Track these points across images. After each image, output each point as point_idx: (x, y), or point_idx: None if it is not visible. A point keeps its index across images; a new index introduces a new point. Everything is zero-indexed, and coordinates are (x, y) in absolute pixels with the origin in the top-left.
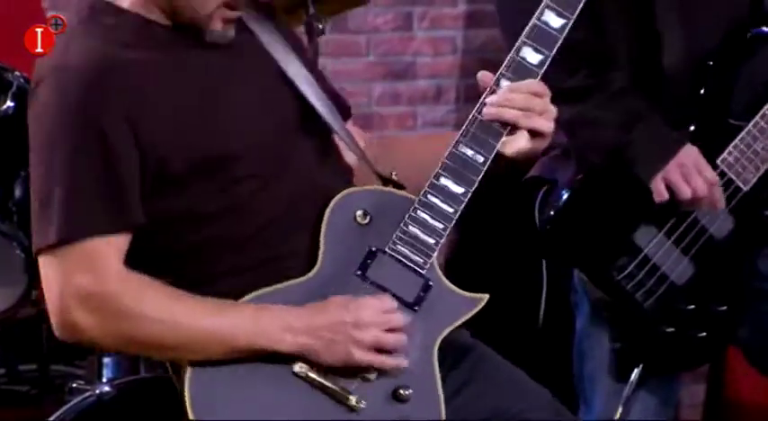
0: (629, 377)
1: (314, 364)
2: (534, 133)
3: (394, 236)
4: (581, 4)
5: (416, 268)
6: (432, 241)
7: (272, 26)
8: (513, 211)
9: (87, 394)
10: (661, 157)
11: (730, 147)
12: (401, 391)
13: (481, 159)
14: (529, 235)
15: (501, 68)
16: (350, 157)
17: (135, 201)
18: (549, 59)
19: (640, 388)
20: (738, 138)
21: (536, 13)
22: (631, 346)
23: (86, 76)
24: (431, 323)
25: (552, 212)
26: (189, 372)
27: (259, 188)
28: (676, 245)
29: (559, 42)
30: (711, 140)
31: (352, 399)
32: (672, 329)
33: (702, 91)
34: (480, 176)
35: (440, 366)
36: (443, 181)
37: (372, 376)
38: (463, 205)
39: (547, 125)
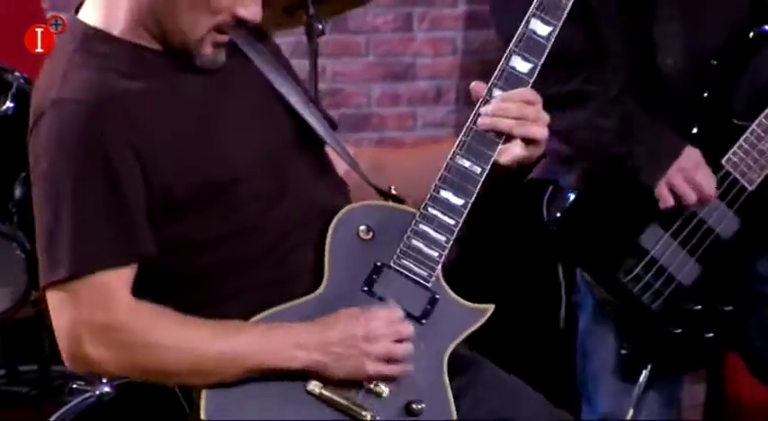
0: (637, 377)
1: (326, 381)
2: (528, 141)
3: (398, 250)
4: (566, 11)
5: (422, 281)
6: (435, 254)
7: (261, 46)
8: (520, 214)
9: (87, 395)
10: (662, 166)
11: (735, 147)
12: (414, 406)
13: (479, 170)
14: (540, 236)
15: (492, 78)
16: (340, 169)
17: (144, 231)
18: (539, 67)
19: (647, 388)
20: (742, 137)
21: (523, 22)
22: (639, 347)
23: (88, 109)
24: (439, 335)
25: (559, 214)
26: (204, 395)
27: (265, 208)
28: (683, 246)
29: (548, 50)
30: (715, 141)
31: (367, 415)
32: (679, 330)
33: (705, 91)
34: (479, 187)
35: None
36: (443, 193)
37: (385, 392)
38: (464, 216)
39: (541, 132)
